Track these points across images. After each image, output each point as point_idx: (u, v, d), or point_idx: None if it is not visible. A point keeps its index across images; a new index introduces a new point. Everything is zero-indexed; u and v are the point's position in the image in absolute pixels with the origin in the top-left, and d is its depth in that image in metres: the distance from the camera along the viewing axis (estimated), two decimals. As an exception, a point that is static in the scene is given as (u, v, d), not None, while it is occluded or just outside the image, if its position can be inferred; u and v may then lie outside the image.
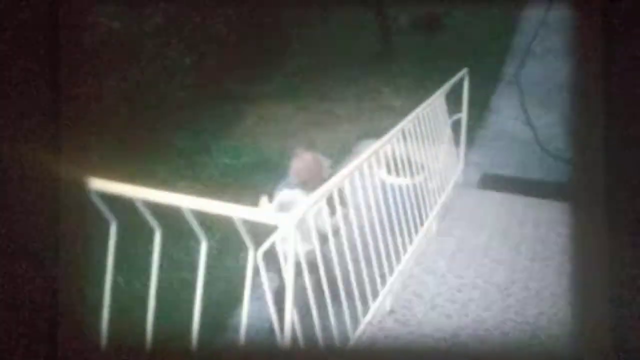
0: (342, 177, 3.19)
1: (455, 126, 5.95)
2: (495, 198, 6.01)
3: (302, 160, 4.11)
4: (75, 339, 1.29)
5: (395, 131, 4.11)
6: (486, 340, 3.42)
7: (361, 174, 3.44)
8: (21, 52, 1.21)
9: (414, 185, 4.57)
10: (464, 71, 6.05)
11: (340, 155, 7.21)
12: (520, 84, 9.27)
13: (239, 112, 8.18)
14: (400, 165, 4.30)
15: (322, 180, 3.70)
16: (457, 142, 6.08)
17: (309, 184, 3.97)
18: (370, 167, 3.57)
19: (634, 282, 1.33)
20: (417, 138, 4.67)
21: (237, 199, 5.46)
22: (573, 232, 1.41)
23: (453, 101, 6.11)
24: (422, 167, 4.80)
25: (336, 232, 3.25)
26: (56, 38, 1.20)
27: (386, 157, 3.98)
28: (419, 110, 4.77)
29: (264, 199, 4.10)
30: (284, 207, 4.02)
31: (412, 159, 4.59)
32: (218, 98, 8.35)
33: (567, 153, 7.18)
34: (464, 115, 6.06)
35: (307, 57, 10.09)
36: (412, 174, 4.56)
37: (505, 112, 8.38)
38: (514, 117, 8.28)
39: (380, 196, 3.77)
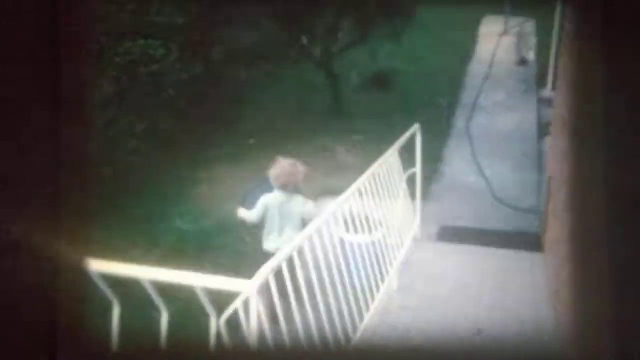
0: (301, 238, 3.21)
1: (410, 181, 6.05)
2: (454, 250, 6.09)
3: (281, 166, 4.80)
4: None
5: (352, 190, 4.17)
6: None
7: (320, 235, 3.46)
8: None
9: (373, 242, 4.61)
10: (415, 126, 6.20)
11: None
12: (470, 136, 9.53)
13: (195, 176, 8.17)
14: (358, 223, 4.34)
15: (298, 183, 4.80)
16: (413, 196, 6.18)
17: (288, 186, 4.75)
18: (329, 226, 3.60)
19: (635, 283, 1.33)
20: (373, 195, 4.74)
21: (197, 263, 5.41)
22: (573, 232, 1.44)
23: (407, 156, 6.24)
24: (380, 223, 4.86)
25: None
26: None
27: (344, 215, 4.02)
28: (374, 168, 4.86)
29: (241, 210, 4.87)
30: (269, 209, 4.80)
31: (370, 216, 4.64)
32: (173, 163, 8.33)
33: (520, 201, 7.37)
34: (418, 169, 6.18)
35: (260, 118, 10.20)
36: (370, 231, 4.60)
37: (458, 164, 8.58)
38: (467, 169, 8.48)
39: (340, 254, 3.80)
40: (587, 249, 1.38)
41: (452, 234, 6.60)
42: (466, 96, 11.45)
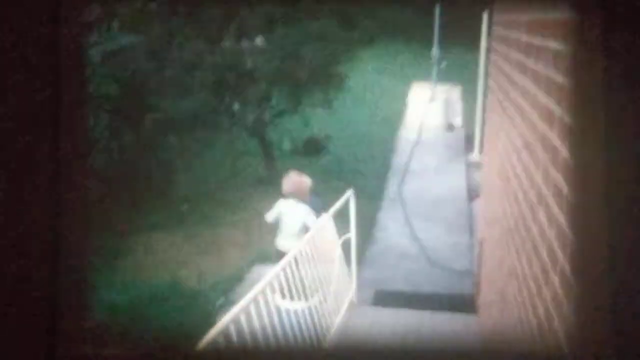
0: (238, 309, 3.20)
1: (346, 246, 6.12)
2: (390, 314, 6.14)
3: (290, 180, 6.22)
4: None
5: (288, 257, 4.19)
6: None
7: (256, 304, 3.46)
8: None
9: (309, 308, 4.62)
10: (349, 192, 6.32)
11: (231, 283, 7.16)
12: (403, 200, 9.74)
13: (127, 244, 8.00)
14: (294, 289, 4.35)
15: (303, 193, 6.14)
16: (348, 261, 6.24)
17: (297, 195, 6.10)
18: (265, 295, 3.60)
19: (635, 282, 1.36)
20: (309, 261, 4.77)
21: (127, 339, 5.25)
22: (573, 232, 1.48)
23: (341, 221, 6.33)
24: (316, 289, 4.88)
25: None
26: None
27: (280, 282, 4.03)
28: (308, 235, 4.91)
29: (268, 214, 6.18)
30: (281, 213, 6.08)
31: (306, 282, 4.66)
32: (103, 231, 8.15)
33: (454, 264, 7.53)
34: (353, 234, 6.27)
35: (194, 184, 10.16)
36: (306, 297, 4.61)
37: (392, 228, 8.74)
38: (401, 233, 8.64)
39: (277, 322, 3.79)
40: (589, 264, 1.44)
41: (388, 298, 6.66)
42: (398, 161, 11.75)
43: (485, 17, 10.77)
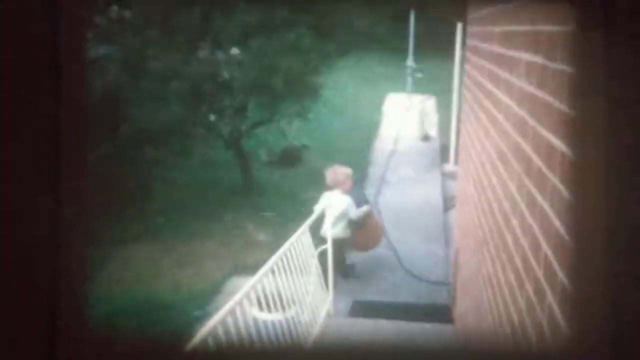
0: (215, 321, 3.19)
1: (322, 257, 6.13)
2: (367, 325, 6.15)
3: (333, 173, 7.09)
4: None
5: (265, 268, 4.19)
6: None
7: (234, 315, 3.45)
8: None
9: (286, 320, 4.61)
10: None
11: (208, 295, 7.12)
12: (379, 210, 9.77)
13: (103, 256, 7.93)
14: (271, 301, 4.35)
15: (347, 183, 7.03)
16: (325, 272, 6.24)
17: (339, 186, 6.95)
18: (242, 306, 3.59)
19: (635, 283, 1.38)
20: (286, 272, 4.77)
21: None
22: (572, 233, 1.50)
23: (318, 233, 6.34)
24: (293, 300, 4.87)
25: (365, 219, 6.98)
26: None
27: (257, 294, 4.02)
28: (286, 246, 4.91)
29: (315, 206, 6.77)
30: (328, 205, 6.66)
31: (283, 294, 4.66)
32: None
33: (430, 274, 7.58)
34: (329, 245, 6.28)
35: (170, 196, 10.10)
36: (283, 309, 4.61)
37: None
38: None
39: (254, 334, 3.78)
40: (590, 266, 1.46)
41: (365, 309, 6.67)
42: (374, 172, 11.80)
43: (459, 27, 10.90)
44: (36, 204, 1.20)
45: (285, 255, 4.86)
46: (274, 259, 4.50)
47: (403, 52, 16.76)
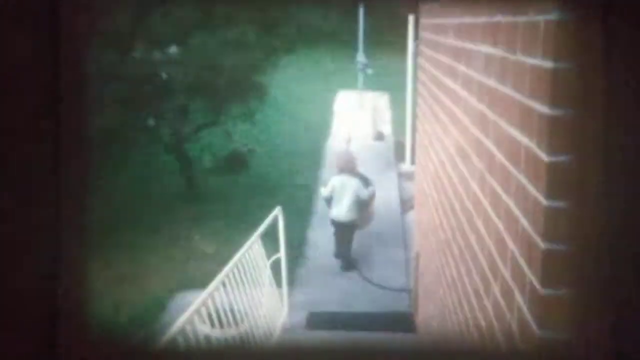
0: (165, 341, 3.16)
1: (275, 267, 6.13)
2: (325, 337, 6.17)
3: (341, 156, 8.11)
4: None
5: (215, 282, 4.17)
6: None
7: (184, 335, 3.42)
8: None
9: (240, 335, 4.59)
10: (277, 209, 6.33)
11: (153, 313, 7.02)
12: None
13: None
14: (224, 316, 4.32)
15: (356, 166, 7.99)
16: (278, 283, 6.24)
17: (349, 169, 7.81)
18: (193, 325, 3.56)
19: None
20: (238, 285, 4.75)
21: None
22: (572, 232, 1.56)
23: (270, 241, 6.34)
24: (247, 314, 4.86)
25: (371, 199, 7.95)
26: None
27: (208, 309, 4.00)
28: (236, 257, 4.89)
29: (322, 189, 8.06)
30: (336, 189, 7.68)
31: (235, 308, 4.64)
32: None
33: (390, 280, 7.65)
34: (282, 254, 6.28)
35: (108, 207, 9.93)
36: (237, 324, 4.59)
37: (324, 246, 8.78)
38: (333, 250, 8.72)
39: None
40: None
41: (322, 321, 6.69)
42: (325, 174, 11.84)
43: (411, 20, 11.04)
44: (36, 204, 1.28)
45: (237, 266, 4.84)
46: (224, 271, 4.47)
47: (353, 47, 16.90)
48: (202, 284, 4.54)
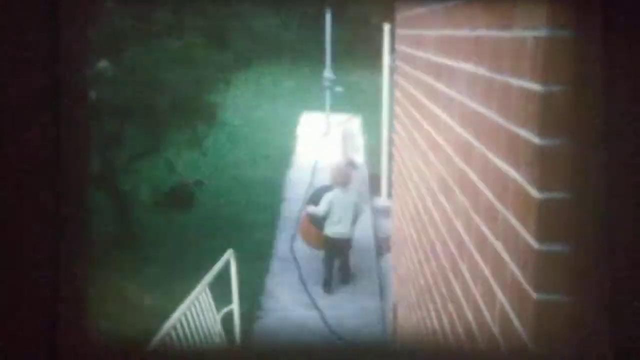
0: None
1: (227, 320, 6.10)
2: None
3: (339, 169, 8.97)
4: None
5: (155, 342, 4.14)
6: None
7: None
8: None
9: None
10: (228, 252, 6.32)
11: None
12: (297, 259, 9.81)
13: None
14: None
15: (350, 179, 8.80)
16: (231, 341, 6.21)
17: (346, 183, 8.63)
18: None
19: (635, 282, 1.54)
20: (181, 343, 4.71)
21: None
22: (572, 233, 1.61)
23: (220, 290, 6.31)
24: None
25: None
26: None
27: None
28: (180, 311, 4.87)
29: (310, 207, 8.86)
30: (335, 205, 8.43)
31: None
32: None
33: (363, 334, 7.64)
34: (235, 306, 6.26)
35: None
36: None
37: (285, 296, 8.77)
38: (296, 300, 8.70)
39: None
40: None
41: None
42: (288, 210, 11.85)
43: (387, 30, 11.20)
44: (35, 208, 1.45)
45: (180, 322, 4.81)
46: (165, 328, 4.45)
47: (318, 62, 17.04)
48: (138, 344, 4.49)
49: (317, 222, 8.70)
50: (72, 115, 1.46)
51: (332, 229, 8.50)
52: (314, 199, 8.96)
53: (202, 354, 2.76)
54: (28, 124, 1.43)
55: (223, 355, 2.67)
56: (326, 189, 8.96)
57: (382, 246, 9.84)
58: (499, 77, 2.04)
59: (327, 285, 8.73)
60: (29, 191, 1.45)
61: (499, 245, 2.01)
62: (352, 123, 16.23)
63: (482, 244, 2.25)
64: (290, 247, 10.24)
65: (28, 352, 1.47)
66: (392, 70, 8.95)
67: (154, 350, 2.67)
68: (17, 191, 1.43)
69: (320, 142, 15.42)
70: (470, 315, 2.42)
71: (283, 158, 14.65)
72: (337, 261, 8.82)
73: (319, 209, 8.51)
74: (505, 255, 1.92)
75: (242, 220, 11.27)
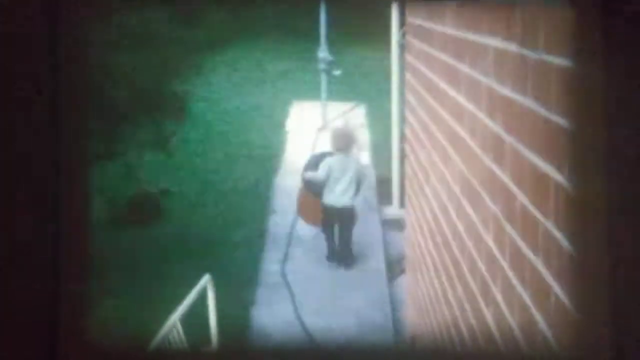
0: None
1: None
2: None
3: (340, 134, 9.68)
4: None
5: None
6: None
7: None
8: None
9: None
10: (204, 279, 6.32)
11: None
12: (289, 284, 9.80)
13: None
14: None
15: (354, 146, 9.61)
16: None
17: (347, 148, 9.33)
18: None
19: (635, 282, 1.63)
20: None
21: None
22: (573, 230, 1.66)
23: (196, 325, 6.31)
24: None
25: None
26: None
27: None
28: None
29: (307, 173, 9.67)
30: (334, 170, 9.14)
31: None
32: None
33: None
34: (214, 343, 6.26)
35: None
36: None
37: (275, 328, 8.75)
38: (288, 332, 8.71)
39: None
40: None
41: None
42: (277, 224, 11.84)
43: None
44: (35, 212, 1.69)
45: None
46: None
47: (312, 39, 17.04)
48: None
49: (315, 189, 9.46)
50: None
51: (332, 198, 9.28)
52: (311, 165, 9.71)
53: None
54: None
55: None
56: (325, 155, 9.72)
57: (394, 267, 9.83)
58: (534, 56, 2.04)
59: (331, 255, 9.67)
60: (27, 191, 1.64)
61: (539, 264, 2.00)
62: (355, 114, 16.22)
63: (518, 262, 2.24)
64: (281, 269, 10.24)
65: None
66: (402, 48, 8.95)
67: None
68: (15, 194, 1.63)
69: (315, 139, 15.40)
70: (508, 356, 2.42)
71: (269, 160, 14.63)
72: (337, 236, 9.62)
73: (318, 174, 9.25)
74: (548, 276, 1.92)
75: (220, 237, 11.25)
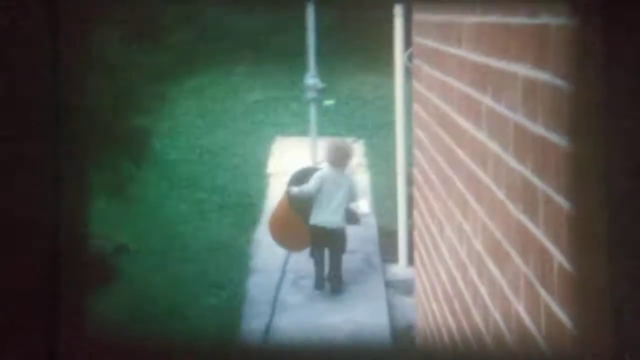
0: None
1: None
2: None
3: (335, 147, 10.14)
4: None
5: None
6: None
7: None
8: None
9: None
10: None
11: None
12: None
13: None
14: None
15: (347, 159, 10.23)
16: None
17: (342, 164, 9.86)
18: None
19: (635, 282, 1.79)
20: None
21: None
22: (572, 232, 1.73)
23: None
24: None
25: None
26: None
27: None
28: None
29: (293, 189, 9.83)
30: (326, 185, 9.56)
31: None
32: None
33: None
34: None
35: None
36: None
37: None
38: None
39: None
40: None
41: None
42: (260, 285, 11.82)
43: (399, 14, 11.26)
44: (35, 210, 1.98)
45: None
46: None
47: (298, 62, 17.11)
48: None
49: (302, 207, 9.71)
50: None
51: (322, 217, 9.56)
52: (296, 181, 10.04)
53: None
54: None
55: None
56: (312, 170, 10.28)
57: (401, 339, 9.83)
58: (569, 87, 2.06)
59: (320, 283, 9.91)
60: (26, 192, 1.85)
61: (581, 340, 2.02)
62: (352, 152, 16.24)
63: (559, 332, 2.25)
64: (264, 337, 10.23)
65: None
66: (408, 72, 9.01)
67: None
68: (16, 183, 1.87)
69: (303, 184, 15.41)
70: None
71: (247, 209, 14.62)
72: (328, 262, 9.86)
73: (309, 186, 9.60)
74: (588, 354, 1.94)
75: (188, 305, 11.23)
